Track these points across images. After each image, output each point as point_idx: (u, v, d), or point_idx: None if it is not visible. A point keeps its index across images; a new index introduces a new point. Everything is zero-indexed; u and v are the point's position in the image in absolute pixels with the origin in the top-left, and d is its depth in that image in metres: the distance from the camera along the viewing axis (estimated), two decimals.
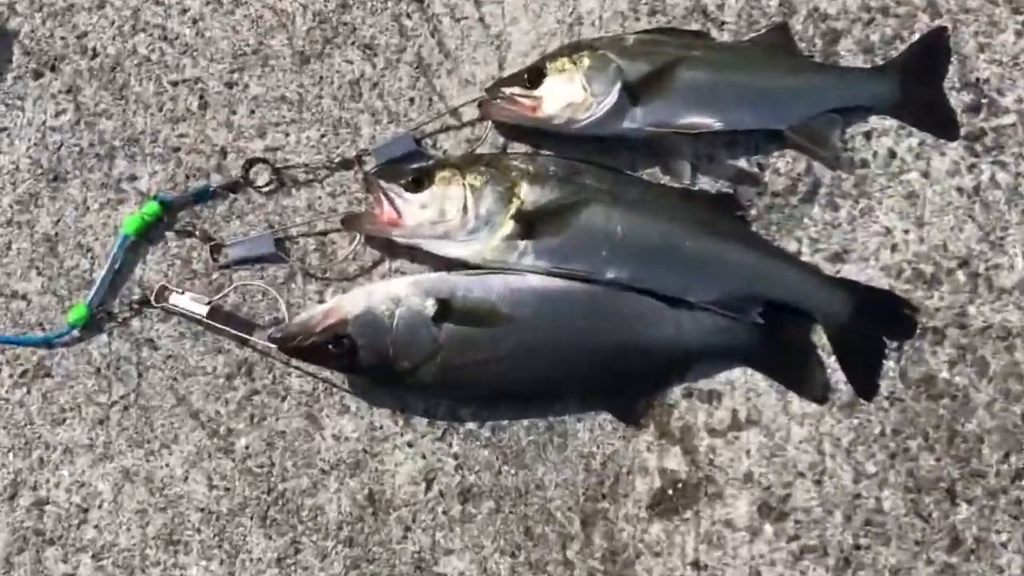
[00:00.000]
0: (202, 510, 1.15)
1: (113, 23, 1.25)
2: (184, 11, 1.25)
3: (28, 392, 1.17)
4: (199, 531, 1.14)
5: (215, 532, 1.14)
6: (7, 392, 1.18)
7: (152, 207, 1.17)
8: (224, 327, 1.14)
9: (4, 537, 1.15)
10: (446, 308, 1.07)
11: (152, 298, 1.15)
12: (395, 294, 1.07)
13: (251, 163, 1.19)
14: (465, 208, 1.09)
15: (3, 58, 1.23)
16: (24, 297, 1.20)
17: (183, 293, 1.14)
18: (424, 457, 1.13)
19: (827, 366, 1.13)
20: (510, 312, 1.08)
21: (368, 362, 1.07)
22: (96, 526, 1.15)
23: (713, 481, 1.11)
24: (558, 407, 1.14)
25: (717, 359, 1.13)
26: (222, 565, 1.13)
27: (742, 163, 1.18)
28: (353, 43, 1.24)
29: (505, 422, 1.13)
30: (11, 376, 1.18)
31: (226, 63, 1.24)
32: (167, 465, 1.16)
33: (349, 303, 1.08)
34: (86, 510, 1.15)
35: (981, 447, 1.11)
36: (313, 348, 1.08)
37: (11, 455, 1.16)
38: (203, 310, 1.12)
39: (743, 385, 1.13)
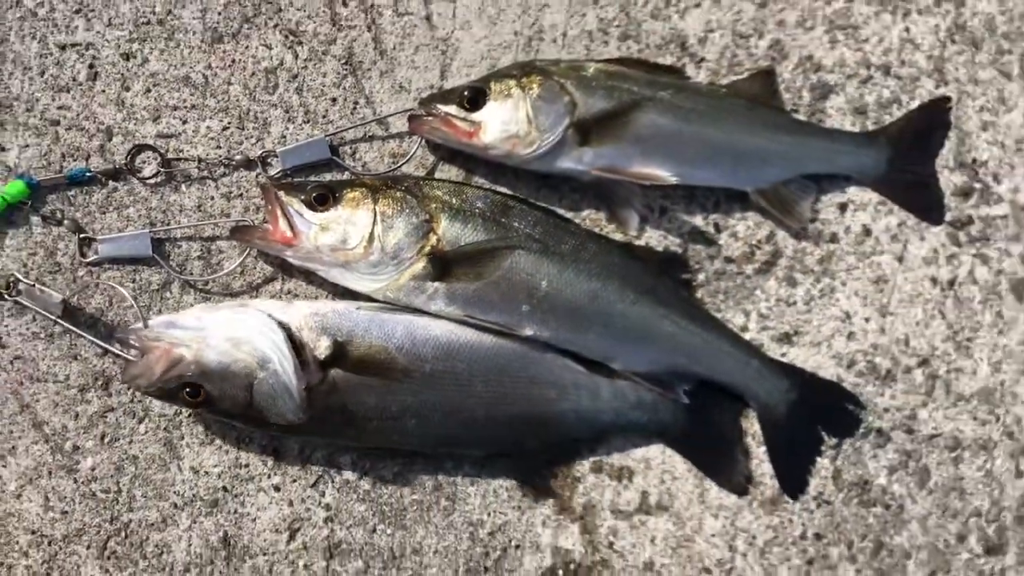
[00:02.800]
0: (33, 532, 1.12)
1: None
2: None
3: None
4: (26, 555, 1.12)
5: (45, 558, 1.12)
6: None
7: (17, 186, 1.12)
8: (78, 330, 1.10)
9: None
10: (340, 352, 1.02)
11: (2, 288, 1.11)
12: (260, 351, 1.01)
13: (139, 149, 1.16)
14: (371, 238, 1.06)
15: None
16: None
17: (35, 286, 1.09)
18: (291, 504, 1.10)
19: (754, 456, 1.13)
20: (408, 364, 1.04)
21: (229, 410, 1.04)
22: None
23: (609, 566, 1.10)
24: (449, 466, 1.13)
25: (634, 435, 1.14)
26: None
27: (697, 221, 1.18)
28: (276, 26, 1.21)
29: (388, 475, 1.11)
30: None
31: (125, 30, 1.20)
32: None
33: (196, 345, 1.01)
34: None
35: (907, 563, 1.12)
36: (161, 394, 1.03)
37: None
38: (58, 308, 1.08)
39: (659, 465, 1.13)
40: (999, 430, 1.13)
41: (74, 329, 1.10)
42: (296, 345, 1.02)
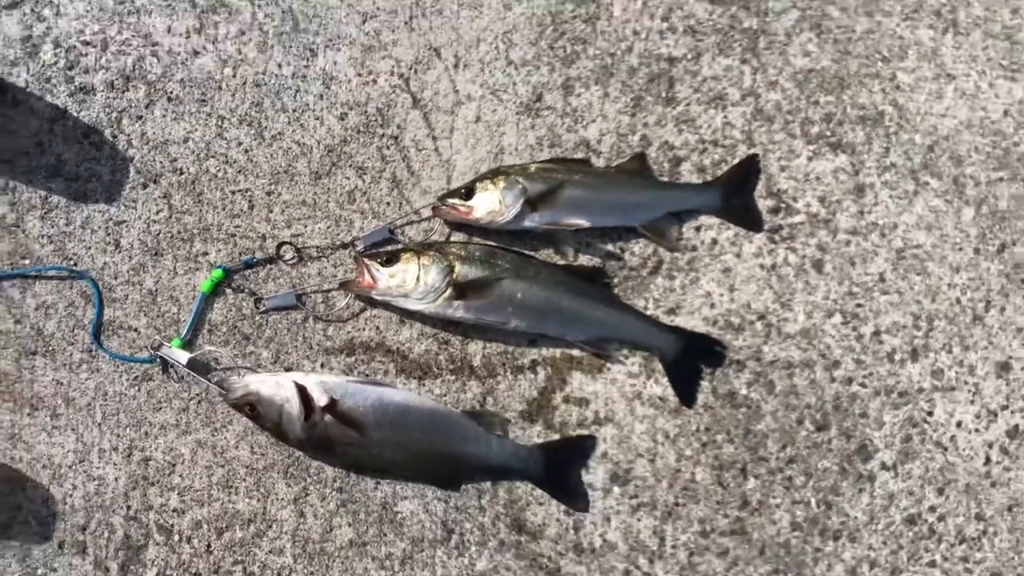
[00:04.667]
0: (247, 467, 1.41)
1: (193, 152, 1.49)
2: (239, 144, 1.50)
3: (138, 390, 1.44)
4: (245, 480, 1.41)
5: (255, 481, 1.40)
6: (126, 389, 1.45)
7: (218, 273, 1.42)
8: (201, 377, 1.36)
9: (124, 479, 1.41)
10: (332, 405, 1.27)
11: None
12: (284, 395, 1.24)
13: (282, 245, 1.43)
14: (419, 279, 1.32)
15: (123, 175, 1.48)
16: (135, 330, 1.46)
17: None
18: None
19: (661, 383, 1.37)
20: (375, 418, 1.28)
21: (267, 424, 1.31)
22: (180, 475, 1.41)
23: None
24: (476, 405, 1.40)
25: (512, 477, 1.34)
26: (259, 502, 1.40)
27: (609, 247, 1.42)
28: (350, 166, 1.47)
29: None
30: (127, 379, 1.45)
31: (266, 178, 1.47)
32: (225, 439, 1.43)
33: (257, 387, 1.26)
34: (173, 465, 1.41)
35: (766, 441, 1.34)
36: (236, 407, 1.31)
37: (128, 429, 1.44)
38: (184, 359, 1.34)
39: (603, 396, 1.39)
40: (816, 354, 1.35)
41: (200, 377, 1.34)
42: (305, 396, 1.22)
